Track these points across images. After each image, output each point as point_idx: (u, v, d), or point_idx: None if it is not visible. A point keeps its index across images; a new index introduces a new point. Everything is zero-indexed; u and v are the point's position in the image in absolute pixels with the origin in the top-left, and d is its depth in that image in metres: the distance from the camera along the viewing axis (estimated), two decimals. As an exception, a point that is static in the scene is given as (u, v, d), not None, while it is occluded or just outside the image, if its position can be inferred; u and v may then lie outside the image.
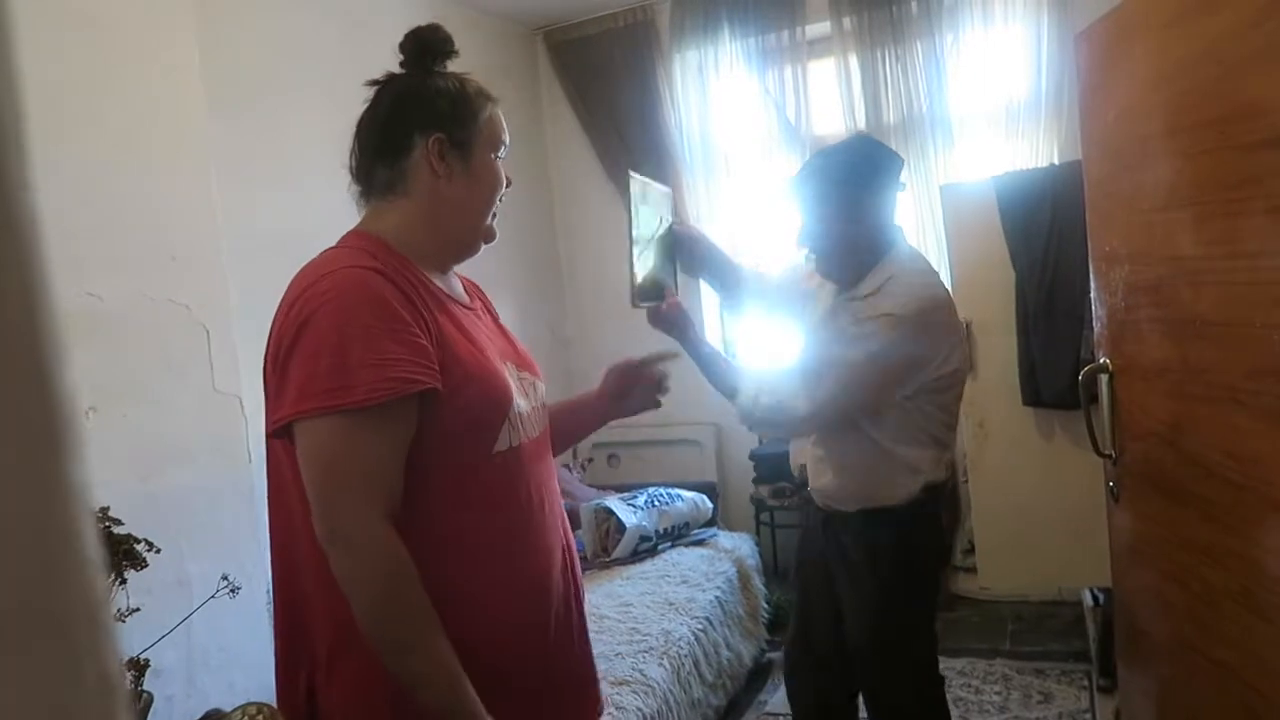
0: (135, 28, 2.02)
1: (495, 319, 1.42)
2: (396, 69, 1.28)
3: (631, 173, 1.80)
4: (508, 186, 1.31)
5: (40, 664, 0.15)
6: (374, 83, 1.27)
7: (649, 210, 1.77)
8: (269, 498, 1.24)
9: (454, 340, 1.18)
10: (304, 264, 1.21)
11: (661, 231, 1.80)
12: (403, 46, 1.26)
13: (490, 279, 2.08)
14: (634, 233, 1.70)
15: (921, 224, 3.80)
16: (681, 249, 1.91)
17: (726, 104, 4.16)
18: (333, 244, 1.26)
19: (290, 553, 1.20)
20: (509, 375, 1.26)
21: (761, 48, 4.02)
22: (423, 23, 1.28)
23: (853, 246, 1.81)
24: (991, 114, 3.70)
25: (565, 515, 1.36)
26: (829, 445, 1.97)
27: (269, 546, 1.26)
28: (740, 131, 4.16)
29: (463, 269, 1.37)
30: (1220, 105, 1.36)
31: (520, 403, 1.25)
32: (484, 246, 1.32)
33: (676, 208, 1.79)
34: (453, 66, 1.29)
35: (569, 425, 1.58)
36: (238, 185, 2.52)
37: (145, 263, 2.00)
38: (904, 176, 1.87)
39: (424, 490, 1.14)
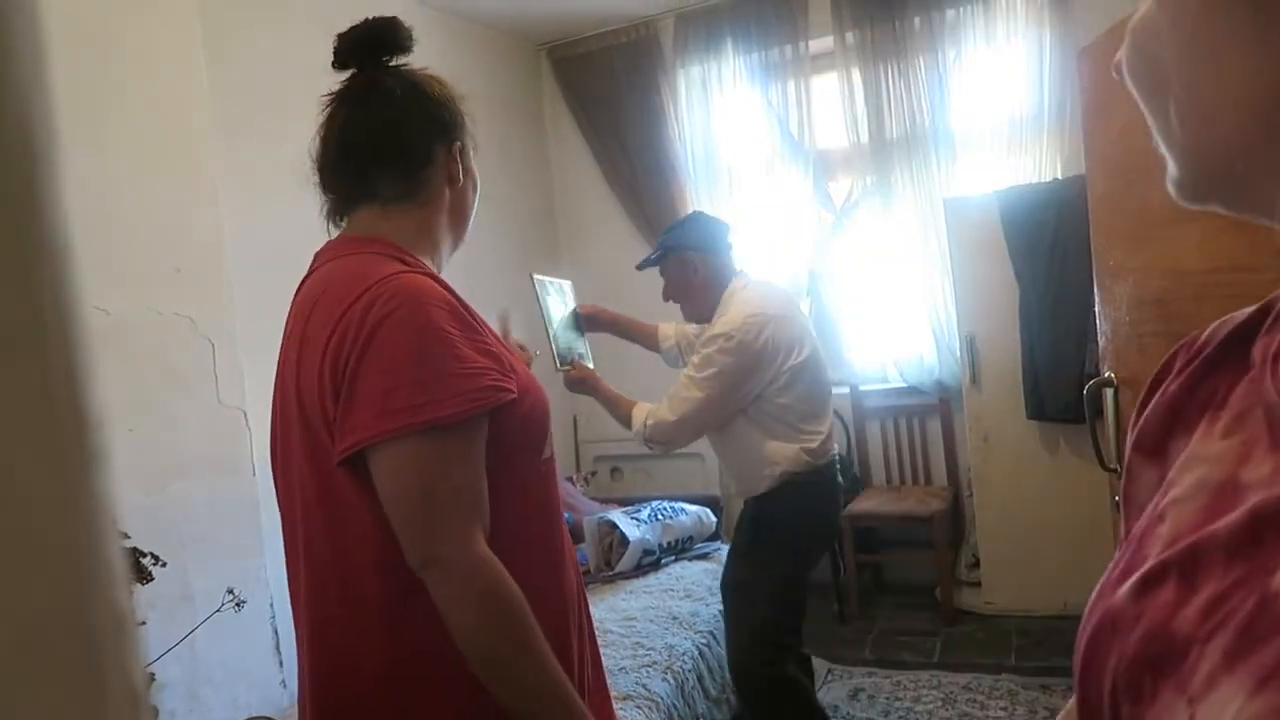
0: (143, 46, 2.04)
1: None
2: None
3: (533, 275, 2.27)
4: None
5: (70, 672, 0.15)
6: (353, 85, 1.16)
7: (555, 299, 2.28)
8: (315, 534, 1.09)
9: (502, 350, 1.11)
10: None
11: (567, 314, 2.35)
12: (352, 40, 1.14)
13: (495, 294, 2.09)
14: (547, 317, 2.18)
15: (925, 238, 3.80)
16: (587, 324, 2.45)
17: (730, 118, 4.18)
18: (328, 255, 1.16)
19: (349, 591, 1.07)
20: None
21: (765, 62, 4.04)
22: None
23: (705, 290, 2.36)
24: (994, 129, 3.71)
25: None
26: (715, 448, 2.45)
27: (299, 585, 1.13)
28: (744, 146, 4.18)
29: (461, 279, 1.33)
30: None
31: None
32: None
33: (577, 291, 2.50)
34: (451, 78, 1.23)
35: None
36: (243, 200, 2.54)
37: (151, 277, 2.01)
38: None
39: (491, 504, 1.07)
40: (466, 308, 1.08)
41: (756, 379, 2.23)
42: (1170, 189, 0.46)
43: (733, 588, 2.39)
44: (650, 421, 2.28)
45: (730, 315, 2.25)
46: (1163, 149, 0.46)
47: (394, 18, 1.16)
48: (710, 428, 2.32)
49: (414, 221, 1.16)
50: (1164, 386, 0.54)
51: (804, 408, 2.28)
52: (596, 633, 1.31)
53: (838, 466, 2.42)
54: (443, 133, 1.17)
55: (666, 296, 2.44)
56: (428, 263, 1.16)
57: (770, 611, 2.29)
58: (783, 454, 2.27)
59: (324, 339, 1.03)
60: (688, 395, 2.24)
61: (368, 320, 1.00)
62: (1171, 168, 0.45)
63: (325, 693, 1.11)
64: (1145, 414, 0.54)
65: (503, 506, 1.08)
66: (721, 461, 2.45)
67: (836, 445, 2.42)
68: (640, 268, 2.49)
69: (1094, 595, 0.48)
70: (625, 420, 2.36)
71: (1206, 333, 0.53)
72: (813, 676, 2.60)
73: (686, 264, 2.35)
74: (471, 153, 1.23)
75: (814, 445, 2.28)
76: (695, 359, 2.26)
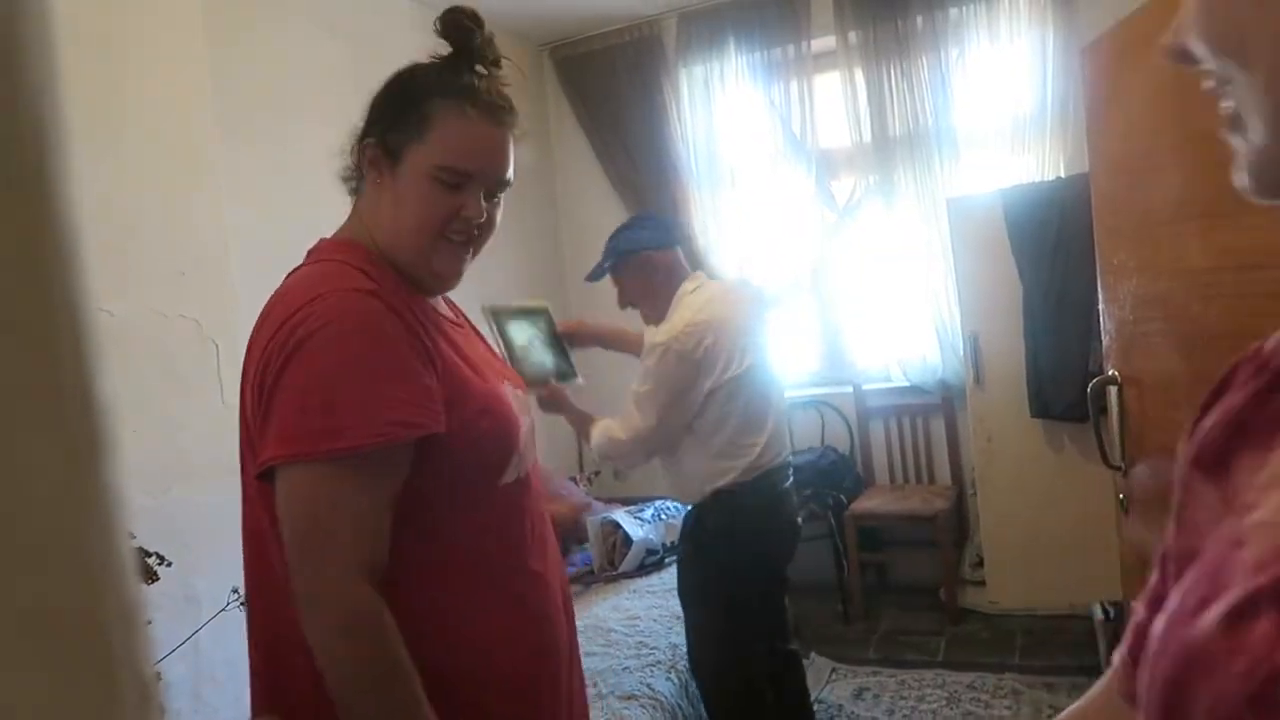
0: (146, 47, 2.04)
1: (477, 332, 1.29)
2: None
3: (485, 307, 2.07)
4: (483, 225, 1.10)
5: (81, 665, 0.15)
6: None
7: (518, 325, 2.14)
8: (244, 546, 1.12)
9: (458, 370, 1.07)
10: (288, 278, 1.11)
11: (542, 335, 2.19)
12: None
13: (494, 295, 2.10)
14: (506, 346, 2.04)
15: (928, 237, 3.80)
16: (569, 340, 2.27)
17: (732, 118, 4.18)
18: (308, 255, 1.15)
19: (272, 611, 1.06)
20: (511, 398, 1.16)
21: (767, 62, 4.04)
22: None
23: (659, 292, 2.26)
24: (997, 127, 3.71)
25: (559, 551, 1.26)
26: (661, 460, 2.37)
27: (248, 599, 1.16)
28: (746, 145, 4.18)
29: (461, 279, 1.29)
30: (1227, 117, 1.36)
31: (524, 425, 1.16)
32: (444, 290, 1.16)
33: (555, 309, 2.26)
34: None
35: None
36: (247, 202, 2.54)
37: (155, 279, 2.01)
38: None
39: (432, 530, 1.04)
40: (413, 328, 1.02)
41: (698, 390, 2.15)
42: (1243, 179, 0.42)
43: (682, 596, 2.37)
44: (603, 439, 2.23)
45: (671, 323, 2.17)
46: (1233, 133, 0.41)
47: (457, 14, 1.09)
48: (664, 446, 2.24)
49: (363, 219, 1.12)
50: (1225, 400, 0.50)
51: (738, 422, 2.20)
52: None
53: (782, 476, 2.30)
54: (368, 124, 1.10)
55: (623, 303, 2.34)
56: (406, 265, 1.09)
57: (720, 617, 2.25)
58: (711, 469, 2.21)
59: (260, 349, 1.01)
60: (634, 414, 2.18)
61: (293, 338, 0.97)
62: (1254, 139, 0.40)
63: (271, 686, 1.10)
64: (1205, 428, 0.51)
65: (447, 533, 1.05)
66: (661, 466, 2.37)
67: (780, 456, 2.29)
68: (592, 278, 2.35)
69: (1163, 625, 0.44)
70: (587, 438, 2.28)
71: (1271, 344, 0.49)
72: (802, 673, 2.56)
73: (647, 264, 2.25)
74: (415, 164, 1.06)
75: (745, 462, 2.21)
76: (640, 372, 2.18)
